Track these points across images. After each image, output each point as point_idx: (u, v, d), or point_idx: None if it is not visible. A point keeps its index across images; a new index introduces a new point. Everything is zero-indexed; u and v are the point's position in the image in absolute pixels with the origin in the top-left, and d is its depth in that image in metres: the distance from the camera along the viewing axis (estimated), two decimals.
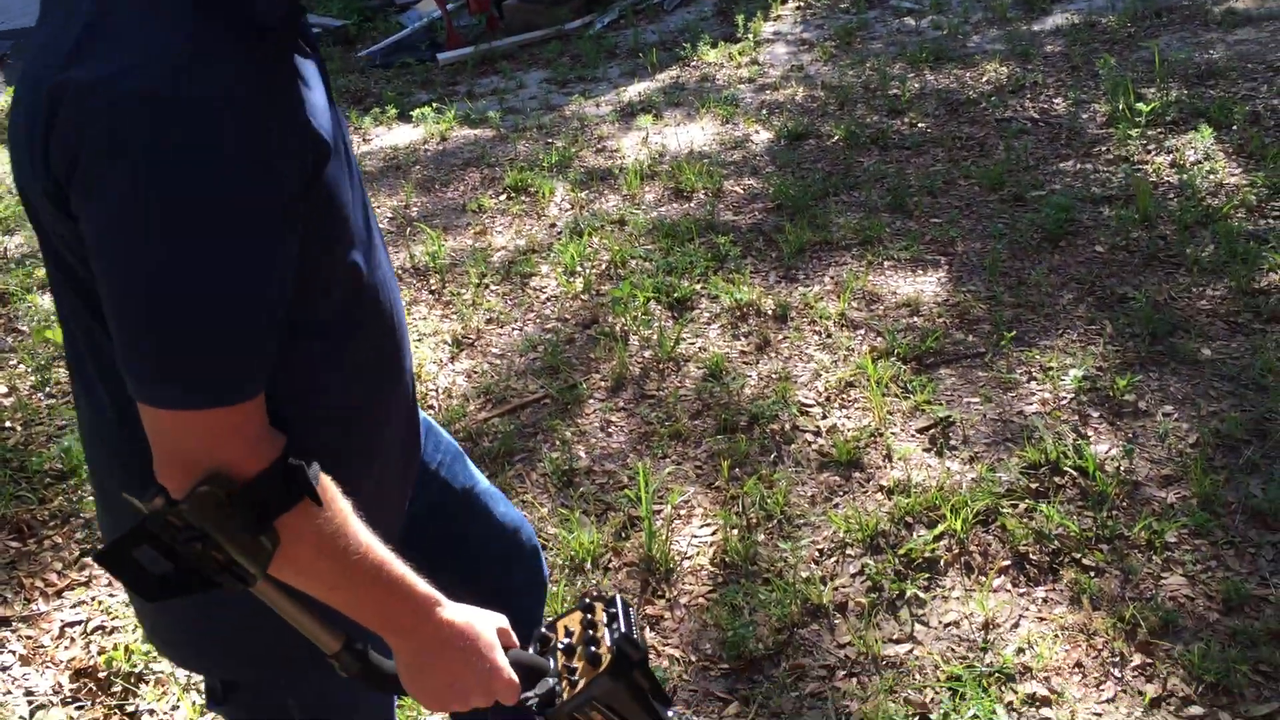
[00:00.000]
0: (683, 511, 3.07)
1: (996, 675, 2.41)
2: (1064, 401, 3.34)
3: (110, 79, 0.90)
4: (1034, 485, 2.99)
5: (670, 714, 1.25)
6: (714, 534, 2.95)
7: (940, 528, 2.84)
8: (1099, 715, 2.30)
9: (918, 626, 2.59)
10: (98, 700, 2.55)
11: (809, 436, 3.32)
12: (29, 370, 4.05)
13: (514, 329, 4.18)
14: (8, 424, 3.66)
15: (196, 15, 0.94)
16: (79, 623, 2.79)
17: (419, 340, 4.11)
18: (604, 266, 4.55)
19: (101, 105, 0.90)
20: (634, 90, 6.87)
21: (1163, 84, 5.57)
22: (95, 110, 0.90)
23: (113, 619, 2.78)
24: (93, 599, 2.87)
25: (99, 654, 2.66)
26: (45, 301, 4.63)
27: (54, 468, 3.36)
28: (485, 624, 1.19)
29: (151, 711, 2.52)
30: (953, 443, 3.23)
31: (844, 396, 3.51)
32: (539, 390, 3.73)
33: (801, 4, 8.28)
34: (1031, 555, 2.76)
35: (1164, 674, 2.38)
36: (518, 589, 1.70)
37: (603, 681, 1.16)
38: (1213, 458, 3.02)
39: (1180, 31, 6.41)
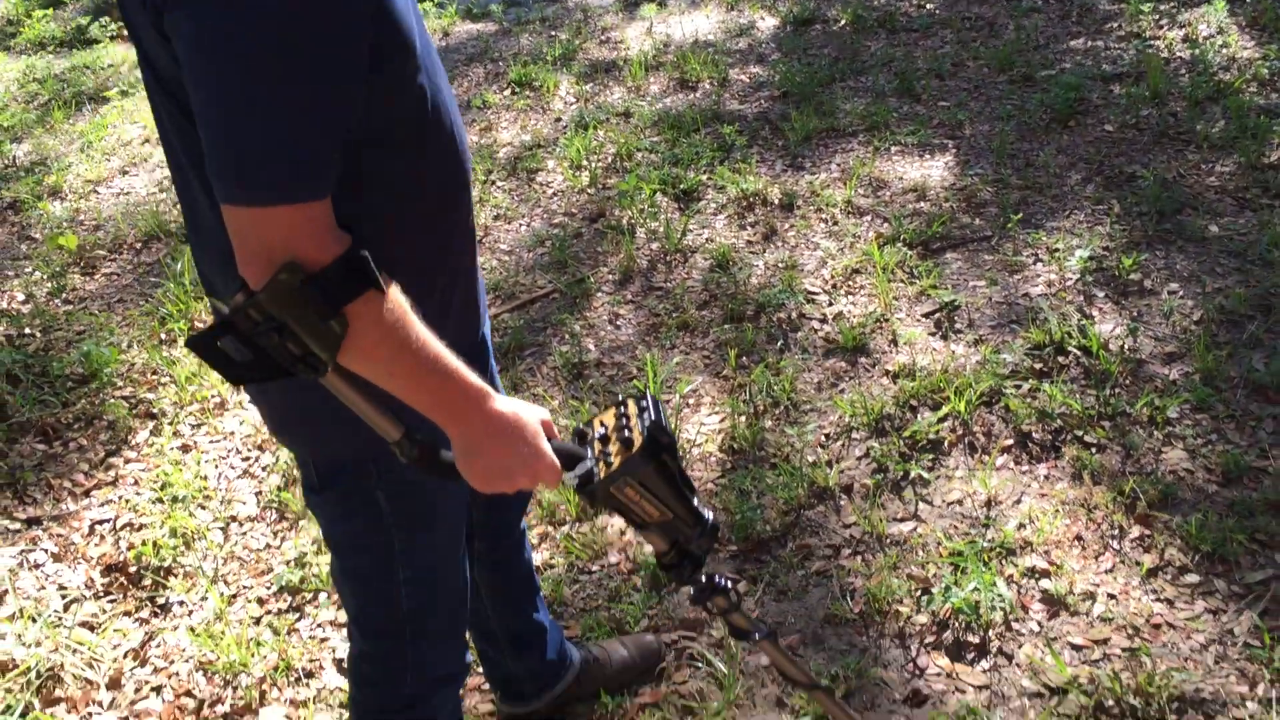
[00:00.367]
0: (691, 400, 3.11)
1: (998, 550, 2.47)
2: (1069, 282, 3.35)
3: None
4: (1038, 366, 3.02)
5: (695, 501, 1.35)
6: (722, 421, 3.00)
7: (944, 409, 2.88)
8: (1097, 585, 2.36)
9: (921, 505, 2.65)
10: (129, 593, 2.65)
11: (815, 324, 3.35)
12: (45, 277, 4.09)
13: (521, 224, 4.19)
14: (27, 330, 3.71)
15: None
16: (107, 520, 2.88)
17: None
18: (610, 160, 4.53)
19: None
20: None
21: None
22: None
23: (140, 516, 2.86)
24: (120, 498, 2.95)
25: (128, 549, 2.74)
26: (56, 208, 4.65)
27: (75, 372, 3.42)
28: (530, 415, 1.30)
29: (181, 603, 2.61)
30: (958, 326, 3.25)
31: (850, 283, 3.53)
32: (547, 285, 3.75)
33: None
34: (1034, 434, 2.80)
35: (1162, 545, 2.44)
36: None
37: (635, 461, 1.28)
38: (1216, 334, 3.04)
39: None
